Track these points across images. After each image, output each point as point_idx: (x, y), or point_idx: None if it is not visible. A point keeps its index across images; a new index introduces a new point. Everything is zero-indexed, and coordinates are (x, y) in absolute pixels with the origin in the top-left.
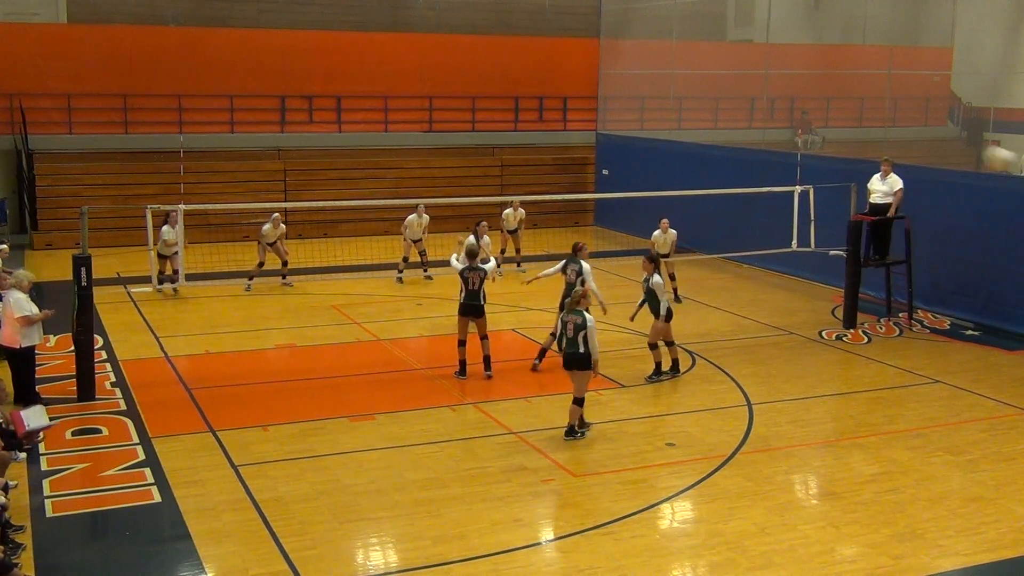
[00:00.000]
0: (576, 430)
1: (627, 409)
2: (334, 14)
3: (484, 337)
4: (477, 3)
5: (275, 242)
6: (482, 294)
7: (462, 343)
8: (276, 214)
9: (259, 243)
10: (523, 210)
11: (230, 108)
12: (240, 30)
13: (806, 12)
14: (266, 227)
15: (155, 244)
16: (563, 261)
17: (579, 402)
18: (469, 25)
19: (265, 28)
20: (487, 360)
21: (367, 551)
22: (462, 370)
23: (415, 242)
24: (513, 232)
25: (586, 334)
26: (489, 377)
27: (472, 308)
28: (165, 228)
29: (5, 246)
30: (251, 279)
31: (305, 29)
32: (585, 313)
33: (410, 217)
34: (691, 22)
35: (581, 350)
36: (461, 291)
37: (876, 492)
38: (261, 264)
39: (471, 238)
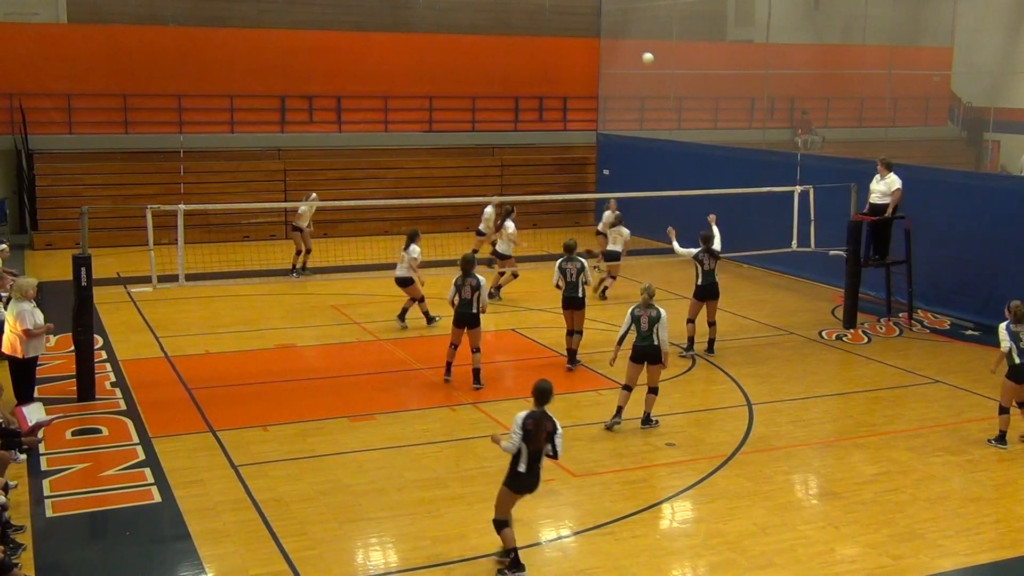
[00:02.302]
0: (652, 419)
1: (627, 409)
2: (334, 14)
3: (578, 332)
4: (477, 3)
5: (307, 227)
6: (580, 287)
7: (570, 333)
8: (314, 193)
9: (299, 231)
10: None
11: (230, 108)
12: (240, 30)
13: (806, 12)
14: (302, 207)
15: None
16: (699, 249)
17: (655, 391)
18: (469, 25)
19: (265, 28)
20: (572, 354)
21: (367, 551)
22: (571, 359)
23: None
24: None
25: (659, 327)
26: (571, 370)
27: (572, 301)
28: None
29: (5, 246)
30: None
31: (305, 29)
32: (659, 307)
33: (487, 209)
34: (691, 22)
35: (656, 343)
36: (560, 285)
37: (876, 492)
38: (308, 251)
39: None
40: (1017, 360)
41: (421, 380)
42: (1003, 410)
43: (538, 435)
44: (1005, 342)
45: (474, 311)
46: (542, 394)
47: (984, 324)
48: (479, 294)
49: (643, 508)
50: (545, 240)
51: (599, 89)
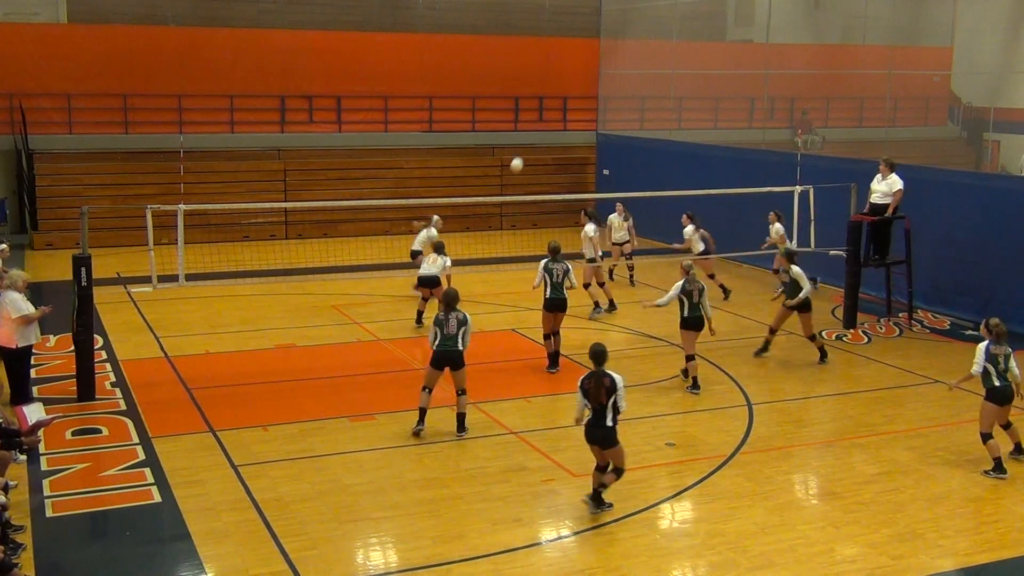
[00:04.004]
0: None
1: (627, 409)
2: (334, 14)
3: (557, 333)
4: (477, 3)
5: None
6: (564, 288)
7: (547, 336)
8: (436, 216)
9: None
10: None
11: (230, 108)
12: (240, 30)
13: (806, 12)
14: (424, 234)
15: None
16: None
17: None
18: (469, 25)
19: (265, 28)
20: (556, 356)
21: (367, 551)
22: (552, 363)
23: (621, 244)
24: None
25: (704, 298)
26: (554, 372)
27: (557, 302)
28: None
29: (5, 246)
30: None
31: (305, 29)
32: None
33: (611, 216)
34: (691, 22)
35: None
36: (546, 286)
37: (876, 492)
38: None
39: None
40: (997, 383)
41: (421, 380)
42: (987, 437)
43: (597, 392)
44: (978, 365)
45: (460, 348)
46: (597, 356)
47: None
48: (465, 329)
49: (643, 508)
50: (545, 240)
51: (599, 89)
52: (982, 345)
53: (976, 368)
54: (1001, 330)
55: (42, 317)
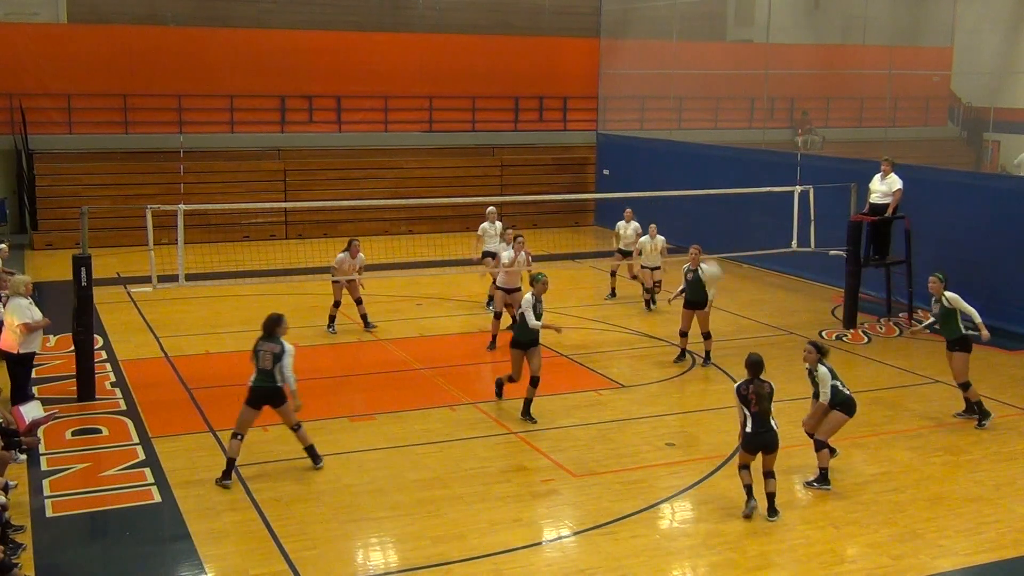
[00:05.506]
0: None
1: (627, 409)
2: (334, 14)
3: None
4: (477, 3)
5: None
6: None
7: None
8: (492, 207)
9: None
10: (662, 238)
11: (230, 108)
12: (240, 30)
13: (806, 12)
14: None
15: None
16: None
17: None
18: (469, 25)
19: (265, 28)
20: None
21: (367, 551)
22: (498, 391)
23: (652, 269)
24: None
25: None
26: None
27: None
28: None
29: (5, 246)
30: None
31: (305, 29)
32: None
33: (643, 239)
34: (691, 22)
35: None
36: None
37: (876, 492)
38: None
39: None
40: (847, 391)
41: (421, 380)
42: (823, 445)
43: (758, 399)
44: (826, 391)
45: (278, 384)
46: (755, 366)
47: (984, 324)
48: (282, 365)
49: (643, 508)
50: (545, 240)
51: (599, 89)
52: (824, 369)
53: (825, 393)
54: (825, 348)
55: (46, 327)
